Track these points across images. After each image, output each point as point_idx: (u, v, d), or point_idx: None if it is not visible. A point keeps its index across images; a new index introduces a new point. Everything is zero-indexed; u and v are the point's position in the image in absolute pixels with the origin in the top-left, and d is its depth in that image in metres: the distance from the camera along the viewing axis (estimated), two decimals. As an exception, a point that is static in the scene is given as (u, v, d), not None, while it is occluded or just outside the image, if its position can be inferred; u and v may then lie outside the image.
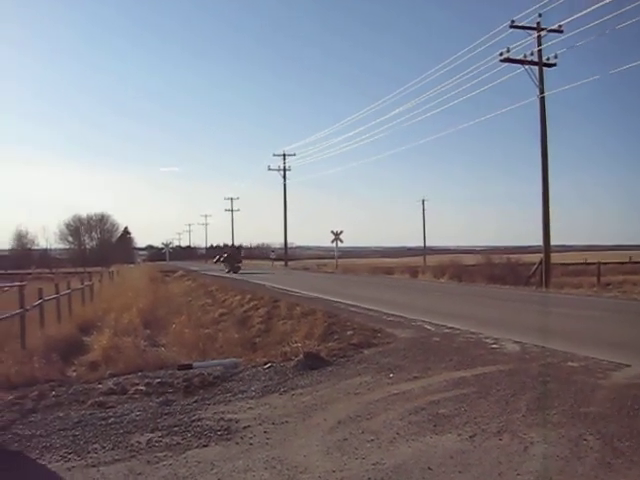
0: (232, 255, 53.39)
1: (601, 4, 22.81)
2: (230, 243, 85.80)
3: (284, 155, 66.24)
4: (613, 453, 5.00)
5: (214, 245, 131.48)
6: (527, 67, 27.06)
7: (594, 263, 36.12)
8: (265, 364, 9.35)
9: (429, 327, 12.44)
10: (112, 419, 6.66)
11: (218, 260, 56.47)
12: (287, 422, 6.36)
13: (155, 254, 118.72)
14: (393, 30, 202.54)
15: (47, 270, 71.08)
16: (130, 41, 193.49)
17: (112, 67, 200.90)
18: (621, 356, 8.74)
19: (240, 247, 65.89)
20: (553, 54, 26.78)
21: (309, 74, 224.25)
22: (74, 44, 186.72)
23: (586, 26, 24.23)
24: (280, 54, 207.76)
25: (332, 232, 54.62)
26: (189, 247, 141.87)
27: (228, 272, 47.70)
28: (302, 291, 23.72)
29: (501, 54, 27.04)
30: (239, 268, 50.27)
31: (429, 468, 4.87)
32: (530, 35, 26.74)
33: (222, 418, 6.55)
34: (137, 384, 8.34)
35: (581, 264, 42.09)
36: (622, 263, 46.44)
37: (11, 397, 7.66)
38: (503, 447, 5.27)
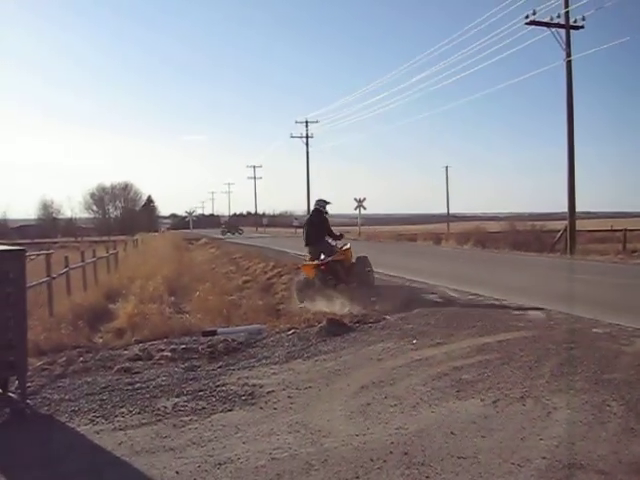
0: (232, 224, 74.36)
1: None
2: (253, 211, 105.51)
3: (306, 122, 66.02)
4: (637, 419, 4.99)
5: (237, 213, 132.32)
6: (553, 30, 26.51)
7: (620, 230, 35.66)
8: (289, 330, 9.39)
9: (452, 293, 12.43)
10: (138, 384, 6.76)
11: (225, 231, 70.16)
12: (311, 387, 6.42)
13: (179, 222, 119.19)
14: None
15: (72, 239, 71.82)
16: (155, 8, 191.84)
17: (138, 34, 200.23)
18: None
19: (234, 217, 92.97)
20: (580, 16, 26.19)
21: (332, 40, 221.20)
22: (99, 13, 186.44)
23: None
24: (301, 21, 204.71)
25: (355, 199, 54.38)
26: (212, 215, 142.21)
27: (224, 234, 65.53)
28: (325, 258, 23.69)
29: (527, 17, 26.47)
30: (240, 231, 68.88)
31: (452, 433, 4.89)
32: (557, -3, 26.16)
33: (246, 383, 6.62)
34: (162, 350, 8.43)
35: (606, 231, 41.47)
36: (649, 230, 45.71)
37: (40, 363, 7.78)
38: (526, 412, 5.28)
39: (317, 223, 13.55)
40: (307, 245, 13.69)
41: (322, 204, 13.77)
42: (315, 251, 13.36)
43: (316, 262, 13.01)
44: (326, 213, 13.72)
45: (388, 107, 62.01)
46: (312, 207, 14.46)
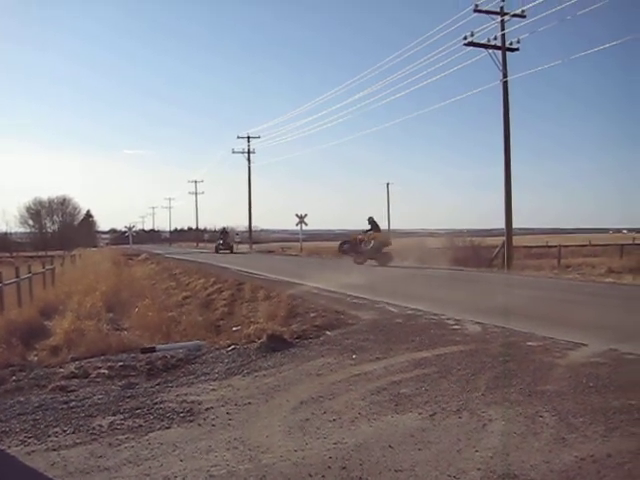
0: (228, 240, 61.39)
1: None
2: (194, 226, 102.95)
3: (248, 138, 65.79)
4: (568, 429, 5.13)
5: (178, 228, 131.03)
6: (490, 51, 27.29)
7: (555, 246, 36.71)
8: (229, 346, 9.35)
9: (392, 309, 12.55)
10: (74, 403, 6.61)
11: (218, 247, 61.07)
12: (250, 403, 6.38)
13: (118, 237, 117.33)
14: (368, 9, 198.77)
15: (7, 254, 69.91)
16: (95, 21, 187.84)
17: (75, 49, 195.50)
18: (580, 336, 8.93)
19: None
20: (516, 39, 27.06)
21: (274, 54, 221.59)
22: (33, 24, 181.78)
23: (548, 11, 24.62)
24: (241, 37, 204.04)
25: (296, 215, 54.60)
26: (153, 230, 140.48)
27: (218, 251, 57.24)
28: (266, 274, 23.70)
29: (465, 38, 27.20)
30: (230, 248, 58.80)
31: (390, 446, 4.93)
32: (494, 20, 26.95)
33: (185, 400, 6.55)
34: (99, 367, 8.28)
35: (542, 247, 42.68)
36: (582, 246, 47.16)
37: (-30, 382, 7.56)
38: (462, 425, 5.37)
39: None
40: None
41: None
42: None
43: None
44: None
45: (331, 123, 62.56)
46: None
